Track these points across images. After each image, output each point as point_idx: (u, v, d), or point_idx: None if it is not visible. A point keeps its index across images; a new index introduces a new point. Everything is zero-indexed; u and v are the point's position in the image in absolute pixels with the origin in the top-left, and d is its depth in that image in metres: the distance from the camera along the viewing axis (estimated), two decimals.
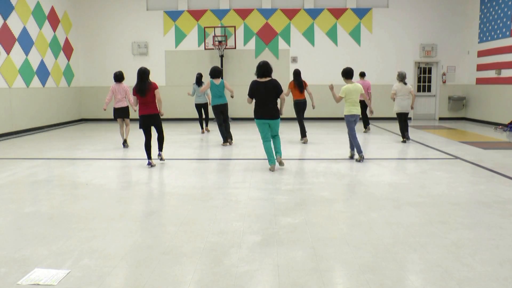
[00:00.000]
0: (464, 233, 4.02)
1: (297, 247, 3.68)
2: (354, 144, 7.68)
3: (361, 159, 7.57)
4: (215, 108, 9.39)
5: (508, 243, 3.77)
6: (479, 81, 14.23)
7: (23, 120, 12.07)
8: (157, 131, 7.43)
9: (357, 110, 7.63)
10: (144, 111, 7.17)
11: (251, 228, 4.16)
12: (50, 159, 8.09)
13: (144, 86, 7.06)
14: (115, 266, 3.34)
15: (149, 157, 7.28)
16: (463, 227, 4.19)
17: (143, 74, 7.06)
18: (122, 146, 9.36)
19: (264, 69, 6.72)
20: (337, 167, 7.17)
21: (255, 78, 6.87)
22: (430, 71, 15.52)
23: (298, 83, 9.60)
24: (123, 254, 3.56)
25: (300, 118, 9.84)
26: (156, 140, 7.48)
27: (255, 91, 6.75)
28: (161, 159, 7.44)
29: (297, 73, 9.70)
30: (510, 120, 12.24)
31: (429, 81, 15.58)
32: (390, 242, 3.80)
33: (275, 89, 6.72)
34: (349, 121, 7.66)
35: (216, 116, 9.45)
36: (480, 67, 14.11)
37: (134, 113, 8.59)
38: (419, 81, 15.59)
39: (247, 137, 10.90)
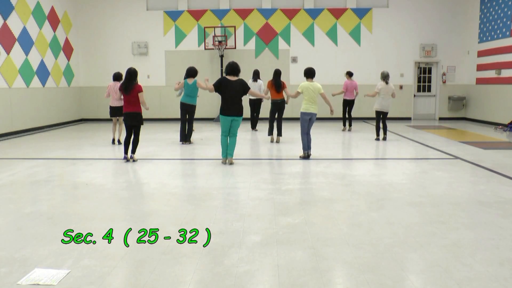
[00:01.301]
0: (464, 233, 4.02)
1: (297, 247, 3.68)
2: (302, 141, 7.83)
3: (305, 156, 7.80)
4: (182, 105, 9.59)
5: (508, 243, 3.77)
6: (479, 81, 14.22)
7: (23, 120, 12.06)
8: (134, 134, 7.72)
9: (314, 109, 7.73)
10: (127, 108, 7.64)
11: (251, 228, 4.16)
12: (50, 159, 8.08)
13: (130, 85, 7.55)
14: (115, 266, 3.34)
15: (125, 152, 7.71)
16: (463, 227, 4.19)
17: (132, 74, 7.59)
18: (111, 143, 9.76)
19: (234, 68, 7.29)
20: (337, 167, 7.18)
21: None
22: (430, 71, 15.51)
23: (276, 82, 9.80)
24: (123, 254, 3.56)
25: (278, 118, 9.99)
26: (131, 142, 7.74)
27: (223, 87, 7.21)
28: (133, 160, 7.71)
29: (276, 73, 9.94)
30: (510, 120, 12.24)
31: (429, 81, 15.57)
32: (390, 242, 3.80)
33: (242, 87, 7.29)
34: (304, 119, 7.76)
35: (181, 113, 9.65)
36: (480, 67, 14.10)
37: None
38: (419, 81, 15.58)
39: (248, 137, 10.90)
